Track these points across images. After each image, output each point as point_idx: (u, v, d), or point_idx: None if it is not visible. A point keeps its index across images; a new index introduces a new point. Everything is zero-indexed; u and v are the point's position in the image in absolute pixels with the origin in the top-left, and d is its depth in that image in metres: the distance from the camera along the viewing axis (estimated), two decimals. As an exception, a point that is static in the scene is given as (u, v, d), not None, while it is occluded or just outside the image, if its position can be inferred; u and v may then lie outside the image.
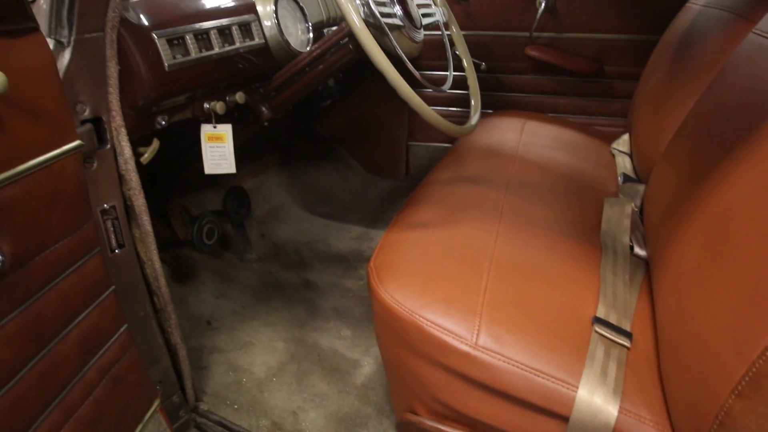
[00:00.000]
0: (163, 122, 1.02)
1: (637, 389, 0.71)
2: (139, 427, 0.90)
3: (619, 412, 0.68)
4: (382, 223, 1.94)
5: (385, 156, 2.18)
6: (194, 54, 1.00)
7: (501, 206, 1.05)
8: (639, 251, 0.99)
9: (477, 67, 1.94)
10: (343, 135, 2.24)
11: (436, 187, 1.15)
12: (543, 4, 1.79)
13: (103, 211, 0.86)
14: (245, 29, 1.12)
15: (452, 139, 1.97)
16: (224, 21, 1.08)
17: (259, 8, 1.16)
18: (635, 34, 1.76)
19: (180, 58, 0.98)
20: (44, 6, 0.74)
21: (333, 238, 1.85)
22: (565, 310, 0.81)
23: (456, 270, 0.86)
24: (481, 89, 1.99)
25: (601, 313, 0.81)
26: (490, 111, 1.87)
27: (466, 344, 0.75)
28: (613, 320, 0.80)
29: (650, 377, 0.74)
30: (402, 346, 0.82)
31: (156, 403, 0.95)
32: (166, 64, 0.95)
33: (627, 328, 0.79)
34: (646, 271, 0.95)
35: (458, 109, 2.02)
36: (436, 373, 0.79)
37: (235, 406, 1.20)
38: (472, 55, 1.93)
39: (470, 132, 1.09)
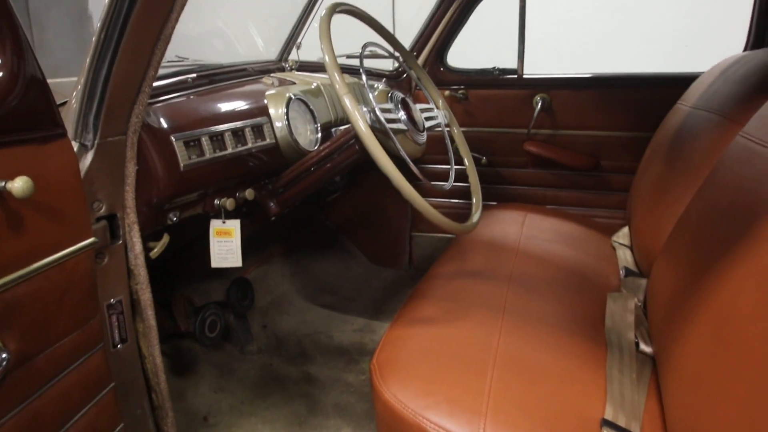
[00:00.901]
0: (175, 218, 1.05)
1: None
2: None
3: None
4: (385, 315, 1.92)
5: (388, 246, 2.21)
6: (209, 154, 1.06)
7: (504, 301, 1.05)
8: (645, 348, 0.98)
9: (478, 161, 2.02)
10: (348, 225, 2.28)
11: (439, 282, 1.16)
12: (540, 104, 1.90)
13: (110, 306, 0.87)
14: (257, 130, 1.19)
15: (458, 232, 2.00)
16: (238, 123, 1.14)
17: (272, 111, 1.24)
18: (629, 131, 1.84)
19: (195, 159, 1.03)
20: (74, 107, 0.79)
21: (335, 329, 1.83)
22: (572, 411, 0.79)
23: (459, 369, 0.85)
24: (483, 182, 2.06)
25: (609, 414, 0.79)
26: (494, 203, 1.92)
27: (472, 448, 0.73)
28: (621, 422, 0.78)
29: (664, 485, 0.71)
30: (406, 449, 0.80)
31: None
32: (181, 165, 1.00)
33: (636, 430, 0.77)
34: (653, 368, 0.93)
35: (461, 201, 2.08)
36: (441, 477, 0.76)
37: None
38: (473, 150, 2.01)
39: (472, 230, 1.12)
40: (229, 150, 1.11)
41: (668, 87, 1.64)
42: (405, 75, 1.96)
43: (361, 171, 2.11)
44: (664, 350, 0.86)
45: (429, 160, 2.06)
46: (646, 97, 1.80)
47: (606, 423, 0.77)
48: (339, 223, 2.29)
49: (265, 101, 1.25)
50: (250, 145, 1.16)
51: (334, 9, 1.01)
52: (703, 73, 1.47)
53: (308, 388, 1.54)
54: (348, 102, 0.87)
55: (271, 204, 1.23)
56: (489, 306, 1.03)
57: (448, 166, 1.21)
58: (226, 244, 1.12)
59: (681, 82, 1.53)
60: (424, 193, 2.07)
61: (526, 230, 1.49)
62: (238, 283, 1.70)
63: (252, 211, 1.28)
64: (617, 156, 1.88)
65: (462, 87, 2.00)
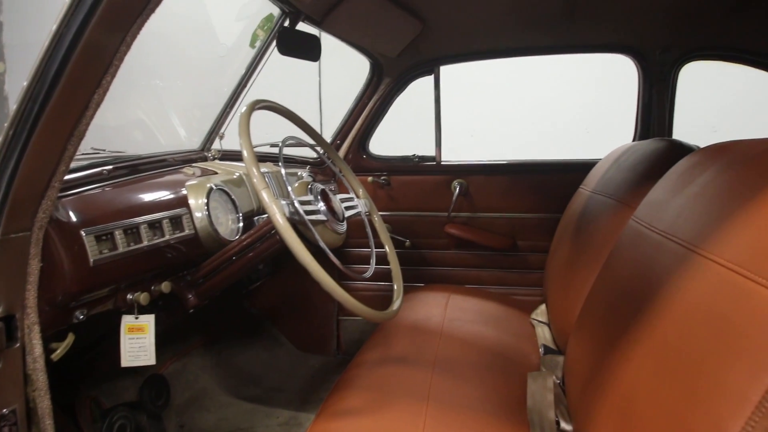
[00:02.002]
0: (82, 317, 0.99)
1: None
2: None
3: None
4: (313, 405, 1.85)
5: (315, 332, 2.17)
6: (122, 248, 1.02)
7: (428, 388, 1.05)
8: (565, 426, 1.00)
9: (402, 244, 2.07)
10: (273, 312, 2.23)
11: (364, 370, 1.14)
12: (458, 188, 2.01)
13: (1, 417, 0.79)
14: (176, 222, 1.17)
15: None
16: (156, 215, 1.12)
17: (192, 201, 1.23)
18: (540, 213, 1.98)
19: (107, 253, 0.99)
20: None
21: (259, 425, 1.73)
22: (498, 500, 0.78)
23: (385, 463, 0.83)
24: (407, 264, 2.11)
25: (534, 500, 0.79)
26: (420, 284, 1.95)
27: None
28: (546, 507, 0.78)
29: None
30: None
31: None
32: (91, 260, 0.96)
33: None
34: (575, 447, 0.95)
35: (386, 284, 2.10)
36: None
37: None
38: (397, 233, 2.07)
39: (392, 317, 1.13)
40: (145, 243, 1.08)
41: (571, 172, 1.80)
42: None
43: (286, 257, 2.09)
44: (581, 428, 0.88)
45: (354, 244, 2.09)
46: (553, 181, 1.95)
47: None
48: (264, 310, 2.23)
49: (185, 192, 1.24)
50: (167, 236, 1.14)
51: (254, 106, 1.05)
52: (600, 159, 1.63)
53: (230, 493, 1.43)
54: (266, 196, 0.88)
55: (190, 296, 1.19)
56: (413, 394, 1.03)
57: (371, 250, 1.24)
58: (138, 341, 1.06)
59: (582, 168, 1.68)
60: (349, 277, 2.08)
61: (449, 312, 1.52)
62: (151, 380, 1.59)
63: (169, 303, 1.22)
64: (532, 236, 2.00)
65: (384, 173, 2.08)
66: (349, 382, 1.11)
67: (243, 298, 2.19)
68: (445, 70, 2.00)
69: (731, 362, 0.54)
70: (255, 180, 0.90)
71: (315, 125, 1.30)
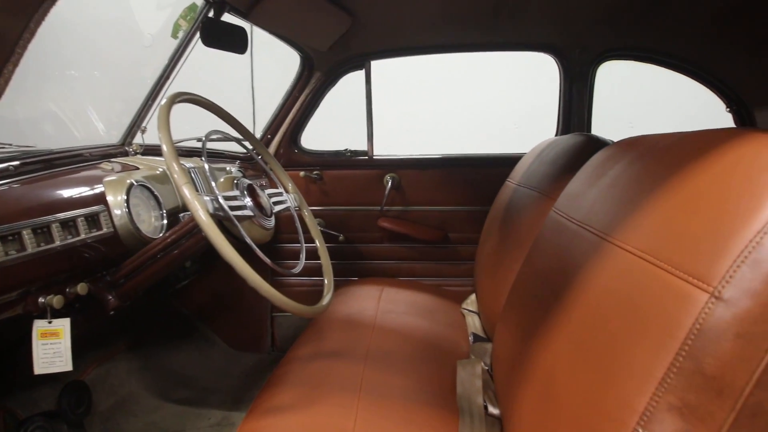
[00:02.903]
0: None
1: None
2: None
3: None
4: (246, 404, 1.82)
5: (249, 330, 2.13)
6: (31, 249, 0.95)
7: (360, 381, 1.06)
8: (492, 410, 1.04)
9: (335, 238, 2.07)
10: (204, 310, 2.16)
11: (296, 366, 1.13)
12: (390, 182, 2.03)
13: None
14: (92, 220, 1.11)
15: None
16: (69, 213, 1.06)
17: (110, 198, 1.17)
18: (470, 206, 2.03)
19: (14, 255, 0.92)
20: None
21: (190, 427, 1.68)
22: (428, 485, 0.80)
23: (316, 457, 0.83)
24: (341, 258, 2.11)
25: (461, 483, 0.81)
26: (355, 279, 1.96)
27: None
28: (473, 488, 0.81)
29: None
30: None
31: None
32: (-5, 262, 0.89)
33: (487, 493, 0.80)
34: (501, 429, 0.99)
35: (318, 278, 2.09)
36: None
37: None
38: (330, 228, 2.07)
39: (322, 312, 1.13)
40: (57, 243, 1.01)
41: (500, 166, 1.86)
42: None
43: (214, 254, 2.03)
44: (507, 411, 0.92)
45: (285, 239, 2.07)
46: (482, 175, 2.01)
47: (459, 492, 0.79)
48: (195, 309, 2.16)
49: (102, 188, 1.18)
50: (83, 235, 1.07)
51: (175, 98, 1.00)
52: (525, 153, 1.69)
53: (159, 501, 1.38)
54: (187, 192, 0.85)
55: (110, 297, 1.13)
56: (345, 387, 1.03)
57: (300, 245, 1.23)
58: (52, 347, 1.00)
59: (509, 162, 1.74)
60: (279, 273, 2.06)
61: (382, 304, 1.54)
62: (71, 387, 1.50)
63: (86, 306, 1.16)
64: (462, 228, 2.05)
65: (316, 168, 2.07)
66: (280, 378, 1.09)
67: (171, 298, 2.11)
68: (379, 66, 2.01)
69: (637, 343, 0.58)
70: (176, 176, 0.87)
71: (248, 119, 1.27)
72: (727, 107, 1.92)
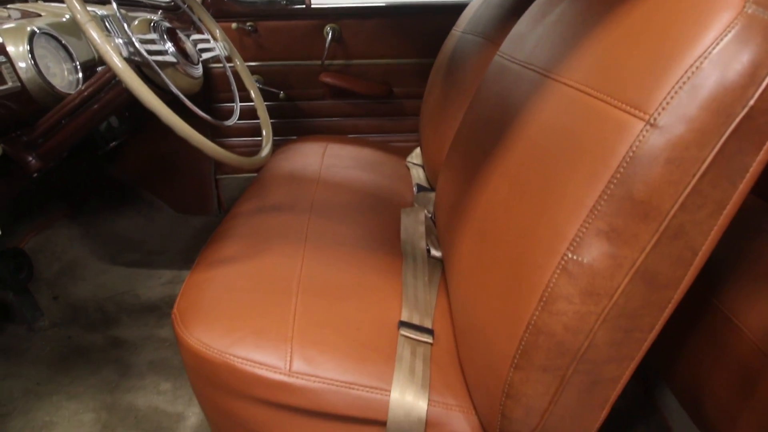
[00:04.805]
0: None
1: (442, 380, 0.78)
2: None
3: (429, 404, 0.74)
4: (196, 263, 1.84)
5: (193, 192, 2.08)
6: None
7: (306, 230, 1.07)
8: (435, 253, 1.09)
9: (275, 96, 1.97)
10: (144, 175, 2.08)
11: (240, 221, 1.13)
12: (330, 34, 1.89)
13: None
14: (-7, 72, 0.98)
15: (260, 170, 1.96)
16: None
17: (10, 48, 1.03)
18: (415, 58, 1.95)
19: None
20: None
21: (141, 287, 1.70)
22: (373, 320, 0.85)
23: (264, 301, 0.86)
24: (282, 117, 2.03)
25: (404, 316, 0.87)
26: (294, 137, 1.91)
27: (280, 373, 0.75)
28: (416, 321, 0.86)
29: (452, 367, 0.81)
30: (217, 390, 0.79)
31: None
32: None
33: (429, 325, 0.87)
34: (443, 270, 1.04)
35: (258, 138, 2.02)
36: (256, 409, 0.77)
37: (38, 502, 1.03)
38: (270, 85, 1.96)
39: (263, 163, 1.10)
40: (-45, 97, 0.91)
41: (445, 14, 1.76)
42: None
43: (146, 113, 1.92)
44: (447, 253, 0.96)
45: (220, 98, 1.95)
46: (428, 24, 1.90)
47: (402, 324, 0.84)
48: (134, 174, 2.08)
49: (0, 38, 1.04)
50: (-16, 89, 0.96)
51: None
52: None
53: (117, 353, 1.43)
54: (93, 33, 0.74)
55: (30, 159, 1.05)
56: (291, 237, 1.04)
57: (241, 103, 1.15)
58: (-26, 211, 0.94)
59: (455, 9, 1.64)
60: (215, 134, 1.98)
61: (326, 160, 1.52)
62: (7, 255, 1.46)
63: (6, 169, 1.08)
64: (407, 82, 1.99)
65: (250, 19, 1.89)
66: (225, 232, 1.09)
67: (106, 163, 2.01)
68: None
69: (572, 174, 0.59)
70: (78, 15, 0.75)
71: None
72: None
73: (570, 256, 0.57)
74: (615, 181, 0.54)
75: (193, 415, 1.24)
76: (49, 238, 1.74)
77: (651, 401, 1.19)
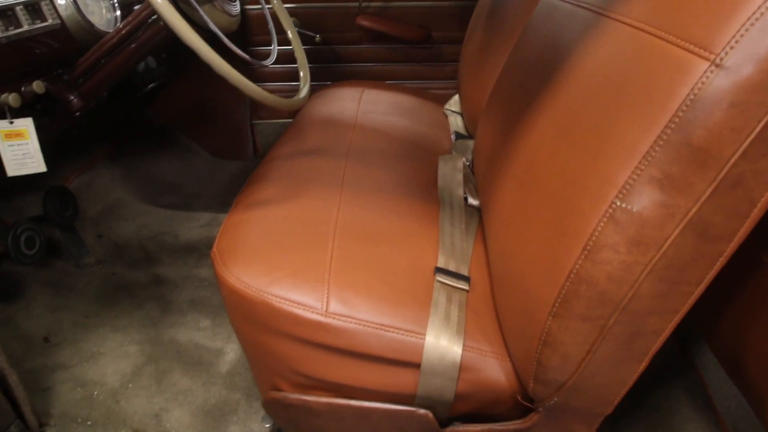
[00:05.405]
0: None
1: (477, 327, 0.78)
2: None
3: (463, 349, 0.75)
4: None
5: (229, 138, 2.09)
6: (-31, 40, 0.86)
7: (342, 175, 1.07)
8: (472, 201, 1.07)
9: (312, 39, 1.93)
10: (181, 120, 2.10)
11: (277, 164, 1.13)
12: (368, -27, 1.82)
13: None
14: (33, 9, 0.98)
15: (296, 114, 1.95)
16: (4, 2, 0.93)
17: (49, -16, 1.03)
18: (456, 1, 1.86)
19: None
20: None
21: (180, 228, 1.75)
22: (409, 265, 0.85)
23: (301, 243, 0.86)
24: (319, 62, 2.00)
25: (441, 262, 0.86)
26: (329, 83, 1.88)
27: (317, 313, 0.76)
28: (452, 267, 0.86)
29: (488, 314, 0.81)
30: (255, 326, 0.81)
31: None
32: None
33: (465, 272, 0.86)
34: (480, 218, 1.03)
35: (295, 82, 2.00)
36: (292, 346, 0.79)
37: (89, 423, 1.10)
38: (307, 28, 1.91)
39: (301, 105, 1.08)
40: (-1, 34, 0.91)
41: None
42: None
43: (184, 55, 1.91)
44: (486, 201, 0.94)
45: (257, 41, 1.92)
46: None
47: (438, 270, 0.84)
48: (171, 119, 2.10)
49: (39, -28, 1.03)
50: (25, 26, 0.96)
51: None
52: None
53: (159, 290, 1.49)
54: None
55: (72, 97, 1.06)
56: (328, 180, 1.04)
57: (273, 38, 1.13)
58: (20, 148, 0.96)
59: None
60: (250, 77, 1.95)
61: (363, 105, 1.49)
62: (53, 192, 1.50)
63: (49, 107, 1.09)
64: (447, 26, 1.91)
65: None
66: (262, 175, 1.09)
67: (144, 106, 2.03)
68: None
69: (625, 118, 0.56)
70: None
71: None
72: None
73: (618, 204, 0.54)
74: (672, 125, 0.50)
75: (232, 351, 1.29)
76: (92, 179, 1.78)
77: (687, 357, 1.18)
